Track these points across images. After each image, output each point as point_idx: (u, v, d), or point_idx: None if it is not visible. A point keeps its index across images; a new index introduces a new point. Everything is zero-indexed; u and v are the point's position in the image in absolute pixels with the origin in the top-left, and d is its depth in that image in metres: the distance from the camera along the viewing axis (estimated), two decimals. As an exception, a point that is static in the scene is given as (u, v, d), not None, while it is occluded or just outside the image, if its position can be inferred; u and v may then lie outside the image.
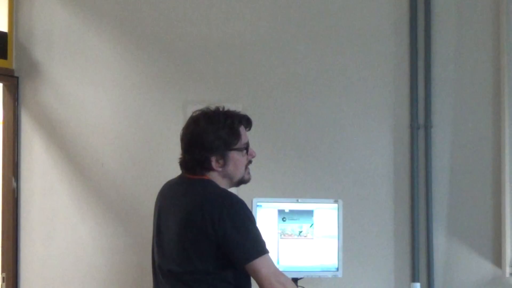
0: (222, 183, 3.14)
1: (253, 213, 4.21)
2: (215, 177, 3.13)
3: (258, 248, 3.03)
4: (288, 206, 4.26)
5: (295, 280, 4.23)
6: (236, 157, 3.13)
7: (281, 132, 4.74)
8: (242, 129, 3.16)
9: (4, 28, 5.26)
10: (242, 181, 3.21)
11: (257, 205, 4.22)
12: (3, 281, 5.16)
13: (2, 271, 5.19)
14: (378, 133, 4.57)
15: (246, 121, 3.19)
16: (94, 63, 5.12)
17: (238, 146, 3.12)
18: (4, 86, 5.28)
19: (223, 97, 4.86)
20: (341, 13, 4.67)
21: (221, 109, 3.17)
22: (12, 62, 5.28)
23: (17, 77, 5.26)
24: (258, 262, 3.01)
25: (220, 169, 3.11)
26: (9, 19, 5.27)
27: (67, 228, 5.10)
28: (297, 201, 4.28)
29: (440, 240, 4.42)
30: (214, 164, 3.09)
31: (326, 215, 4.25)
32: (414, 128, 4.48)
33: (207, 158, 3.08)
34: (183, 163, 3.18)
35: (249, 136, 4.73)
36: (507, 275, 4.27)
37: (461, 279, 4.39)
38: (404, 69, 4.54)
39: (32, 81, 5.24)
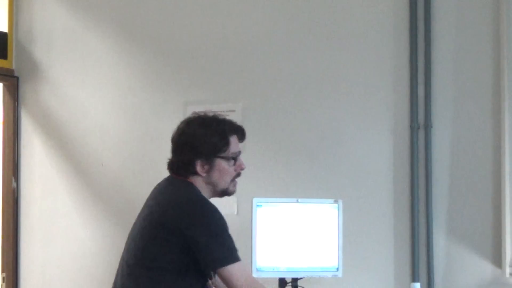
0: (204, 189, 3.14)
1: (253, 213, 4.22)
2: (199, 182, 3.12)
3: (231, 254, 3.04)
4: (288, 207, 4.26)
5: (295, 280, 4.24)
6: (222, 166, 3.12)
7: (281, 132, 4.74)
8: (233, 138, 3.15)
9: (4, 28, 5.26)
10: (225, 192, 3.20)
11: (257, 205, 4.22)
12: (3, 281, 5.17)
13: (2, 271, 5.19)
14: (378, 133, 4.57)
15: (240, 132, 3.18)
16: (94, 63, 5.12)
17: (225, 154, 3.11)
18: (4, 86, 5.29)
19: (223, 97, 4.87)
20: (341, 13, 4.67)
21: (218, 117, 3.16)
22: (12, 62, 5.28)
23: (17, 77, 5.27)
24: (231, 269, 3.01)
25: (204, 175, 3.10)
26: (9, 19, 5.28)
27: (67, 228, 5.11)
28: (297, 201, 4.28)
29: (440, 240, 4.42)
30: (198, 168, 3.08)
31: (326, 215, 4.26)
32: (414, 128, 4.48)
33: (192, 161, 3.08)
34: (170, 164, 3.19)
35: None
36: (507, 275, 4.26)
37: (461, 279, 4.39)
38: (404, 69, 4.54)
39: (32, 81, 5.25)
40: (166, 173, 4.93)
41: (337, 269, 4.22)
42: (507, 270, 4.26)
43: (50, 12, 5.24)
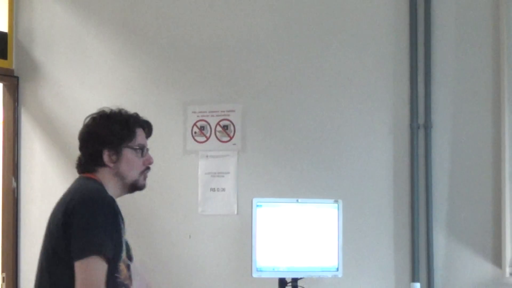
0: (113, 182, 3.07)
1: (253, 213, 4.21)
2: (107, 174, 3.06)
3: (89, 248, 2.84)
4: (288, 207, 4.26)
5: (295, 280, 4.23)
6: (129, 156, 3.07)
7: (281, 132, 4.74)
8: (139, 130, 3.13)
9: (4, 28, 5.26)
10: (135, 185, 3.12)
11: (257, 205, 4.22)
12: (3, 281, 5.17)
13: (2, 271, 5.19)
14: (378, 133, 4.57)
15: (147, 127, 3.17)
16: (94, 63, 5.12)
17: (132, 144, 3.08)
18: (4, 86, 5.29)
19: (223, 97, 4.87)
20: (341, 13, 4.67)
21: (124, 111, 3.14)
22: (12, 62, 5.28)
23: (17, 77, 5.26)
24: (80, 265, 2.84)
25: (112, 165, 3.05)
26: (9, 19, 5.28)
27: (67, 228, 5.10)
28: (297, 201, 4.28)
29: (440, 240, 4.42)
30: (106, 158, 3.04)
31: (326, 215, 4.25)
32: (414, 128, 4.48)
33: (99, 152, 3.04)
34: (78, 161, 3.12)
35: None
36: (507, 275, 4.26)
37: (461, 279, 4.39)
38: (404, 69, 4.53)
39: (32, 81, 5.25)
40: (166, 172, 4.95)
41: (337, 269, 4.22)
42: (507, 270, 4.25)
43: (50, 12, 5.23)
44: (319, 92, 4.68)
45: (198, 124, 4.89)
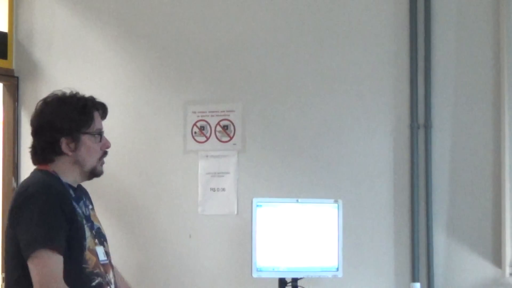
0: (72, 170, 2.95)
1: (253, 213, 4.21)
2: (65, 163, 2.93)
3: (33, 244, 2.75)
4: (288, 207, 4.26)
5: (295, 280, 4.23)
6: (88, 143, 2.95)
7: (281, 132, 4.74)
8: (96, 114, 3.00)
9: (4, 28, 5.26)
10: (94, 172, 2.99)
11: (257, 205, 4.22)
12: (2, 281, 5.17)
13: (2, 271, 5.19)
14: (378, 133, 4.57)
15: (102, 109, 3.04)
16: (94, 63, 5.12)
17: (90, 130, 2.95)
18: (4, 86, 5.29)
19: (223, 97, 4.87)
20: (341, 13, 4.67)
21: (77, 94, 3.01)
22: (12, 62, 5.28)
23: (17, 77, 5.27)
24: (31, 262, 2.75)
25: (70, 153, 2.92)
26: (9, 19, 5.28)
27: (67, 228, 5.10)
28: (297, 201, 4.28)
29: (440, 240, 4.42)
30: (64, 146, 2.91)
31: (326, 215, 4.25)
32: (414, 128, 4.48)
33: (57, 140, 2.90)
34: (32, 150, 2.98)
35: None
36: (507, 275, 4.26)
37: (461, 279, 4.39)
38: (404, 69, 4.53)
39: (32, 81, 5.25)
40: (165, 172, 4.95)
41: (337, 269, 4.22)
42: (507, 270, 4.25)
43: (50, 12, 5.23)
44: (319, 92, 4.68)
45: (198, 124, 4.89)
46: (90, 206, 3.07)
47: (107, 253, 3.03)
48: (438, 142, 4.46)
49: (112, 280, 3.00)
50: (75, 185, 2.99)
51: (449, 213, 4.43)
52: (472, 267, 4.36)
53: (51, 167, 2.94)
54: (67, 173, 2.95)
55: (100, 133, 3.00)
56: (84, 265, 2.86)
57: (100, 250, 2.98)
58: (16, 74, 5.27)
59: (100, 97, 5.01)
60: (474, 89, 4.42)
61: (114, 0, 5.11)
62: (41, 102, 2.98)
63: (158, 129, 4.96)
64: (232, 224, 4.80)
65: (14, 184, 5.20)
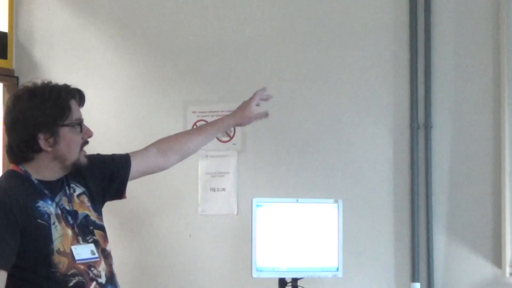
0: (52, 166, 2.75)
1: (253, 213, 4.21)
2: (45, 159, 2.73)
3: None
4: (287, 207, 4.26)
5: (295, 280, 4.23)
6: (68, 135, 2.74)
7: (281, 132, 4.74)
8: (73, 103, 2.77)
9: (4, 28, 5.26)
10: (76, 164, 2.80)
11: (257, 205, 4.22)
12: (3, 281, 5.16)
13: None
14: (378, 133, 4.57)
15: (79, 96, 2.82)
16: (94, 63, 5.12)
17: (69, 121, 2.73)
18: (4, 86, 5.29)
19: (223, 97, 4.87)
20: (340, 13, 4.67)
21: (49, 83, 2.76)
22: (12, 62, 5.28)
23: (17, 77, 5.26)
24: None
25: (50, 149, 2.72)
26: (9, 19, 5.28)
27: (67, 228, 5.10)
28: (297, 201, 4.28)
29: (440, 240, 4.42)
30: (42, 143, 2.70)
31: (326, 215, 4.25)
32: (414, 128, 4.48)
33: (33, 137, 2.68)
34: (8, 149, 2.76)
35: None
36: (507, 275, 4.26)
37: (461, 279, 4.39)
38: (404, 69, 4.53)
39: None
40: (164, 172, 4.94)
41: (337, 269, 4.21)
42: (507, 270, 4.25)
43: (50, 12, 5.23)
44: (319, 92, 4.68)
45: (198, 124, 4.89)
46: (79, 191, 2.88)
47: (96, 244, 2.85)
48: (438, 142, 4.46)
49: (103, 273, 2.83)
50: (54, 179, 2.79)
51: (449, 213, 4.43)
52: (472, 267, 4.36)
53: (25, 166, 2.75)
54: (44, 170, 2.75)
55: (79, 123, 2.79)
56: (53, 269, 2.68)
57: (80, 248, 2.79)
58: (16, 74, 5.27)
59: (100, 97, 5.06)
60: (474, 89, 4.42)
61: (114, 0, 5.11)
62: (12, 97, 2.77)
63: (158, 129, 4.96)
64: (232, 224, 4.80)
65: (14, 184, 5.20)
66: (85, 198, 2.90)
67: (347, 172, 4.60)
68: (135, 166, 3.09)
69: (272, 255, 4.19)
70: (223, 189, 4.82)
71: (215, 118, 4.83)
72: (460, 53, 4.45)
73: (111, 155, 3.07)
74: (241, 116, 3.33)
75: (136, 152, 3.12)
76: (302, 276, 4.22)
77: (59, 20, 5.22)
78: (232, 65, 4.86)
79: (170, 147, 3.17)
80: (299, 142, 4.70)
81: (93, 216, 2.92)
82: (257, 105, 3.25)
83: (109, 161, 3.05)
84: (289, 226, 4.22)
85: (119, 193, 3.15)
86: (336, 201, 4.27)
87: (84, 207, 2.88)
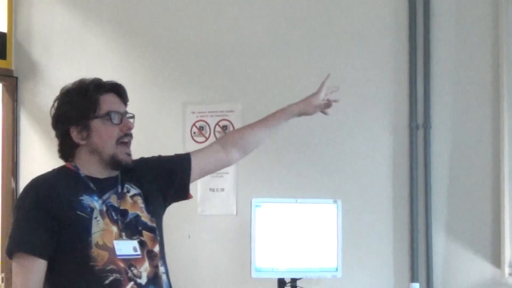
0: (92, 160, 2.81)
1: (252, 213, 4.20)
2: (84, 154, 2.81)
3: (8, 248, 2.75)
4: (287, 207, 4.26)
5: (294, 280, 4.23)
6: (98, 127, 2.79)
7: (281, 132, 4.72)
8: (105, 97, 2.83)
9: (4, 29, 5.26)
10: (115, 160, 2.82)
11: (256, 205, 4.22)
12: (2, 281, 5.16)
13: (1, 271, 5.19)
14: (377, 133, 4.57)
15: (115, 88, 2.87)
16: (93, 63, 5.12)
17: (98, 113, 2.79)
18: (3, 86, 5.29)
19: (223, 97, 4.87)
20: (340, 13, 4.67)
21: (83, 81, 2.87)
22: (11, 62, 5.28)
23: (16, 77, 5.27)
24: (12, 264, 2.77)
25: (84, 142, 2.79)
26: (9, 20, 5.28)
27: (66, 228, 5.10)
28: (297, 201, 4.28)
29: (439, 240, 4.42)
30: (75, 136, 2.78)
31: (326, 215, 4.25)
32: (413, 128, 4.48)
33: (67, 131, 2.79)
34: (58, 148, 2.89)
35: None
36: (506, 275, 4.26)
37: (460, 279, 4.39)
38: (403, 69, 4.53)
39: (31, 81, 5.25)
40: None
41: (336, 269, 4.21)
42: (507, 270, 4.25)
43: (49, 12, 5.23)
44: (319, 92, 4.68)
45: (197, 124, 4.89)
46: (134, 192, 2.90)
47: (141, 243, 2.85)
48: (437, 142, 4.46)
49: (144, 273, 2.79)
50: (103, 177, 2.83)
51: (448, 213, 4.43)
52: (471, 267, 4.36)
53: (75, 162, 2.83)
54: (88, 165, 2.81)
55: (110, 114, 2.81)
56: (92, 263, 2.69)
57: (123, 244, 2.78)
58: (15, 74, 5.27)
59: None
60: (474, 89, 4.42)
61: (114, 0, 5.12)
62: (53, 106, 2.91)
63: (157, 129, 4.96)
64: (231, 224, 4.79)
65: (13, 184, 5.20)
66: (139, 199, 2.91)
67: (346, 172, 4.60)
68: (196, 164, 3.06)
69: (271, 255, 4.19)
70: (222, 189, 4.82)
71: (215, 118, 4.89)
72: (459, 54, 4.45)
73: (171, 156, 3.11)
74: (308, 103, 3.34)
75: (198, 151, 3.12)
76: (301, 277, 4.22)
77: (59, 21, 5.22)
78: (231, 65, 4.86)
79: (234, 142, 3.15)
80: (298, 142, 4.70)
81: (144, 218, 2.92)
82: (326, 95, 3.25)
83: (167, 163, 3.09)
84: (288, 226, 4.22)
85: (182, 194, 3.11)
86: (335, 201, 4.27)
87: (136, 208, 2.89)
